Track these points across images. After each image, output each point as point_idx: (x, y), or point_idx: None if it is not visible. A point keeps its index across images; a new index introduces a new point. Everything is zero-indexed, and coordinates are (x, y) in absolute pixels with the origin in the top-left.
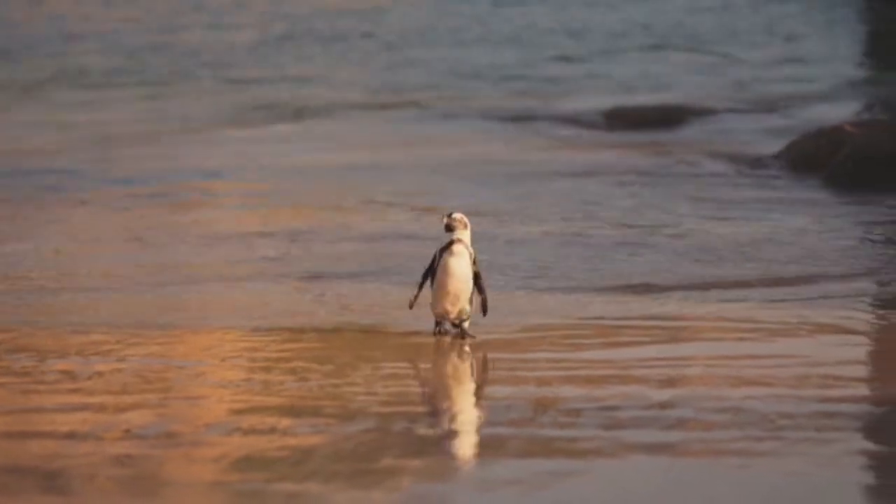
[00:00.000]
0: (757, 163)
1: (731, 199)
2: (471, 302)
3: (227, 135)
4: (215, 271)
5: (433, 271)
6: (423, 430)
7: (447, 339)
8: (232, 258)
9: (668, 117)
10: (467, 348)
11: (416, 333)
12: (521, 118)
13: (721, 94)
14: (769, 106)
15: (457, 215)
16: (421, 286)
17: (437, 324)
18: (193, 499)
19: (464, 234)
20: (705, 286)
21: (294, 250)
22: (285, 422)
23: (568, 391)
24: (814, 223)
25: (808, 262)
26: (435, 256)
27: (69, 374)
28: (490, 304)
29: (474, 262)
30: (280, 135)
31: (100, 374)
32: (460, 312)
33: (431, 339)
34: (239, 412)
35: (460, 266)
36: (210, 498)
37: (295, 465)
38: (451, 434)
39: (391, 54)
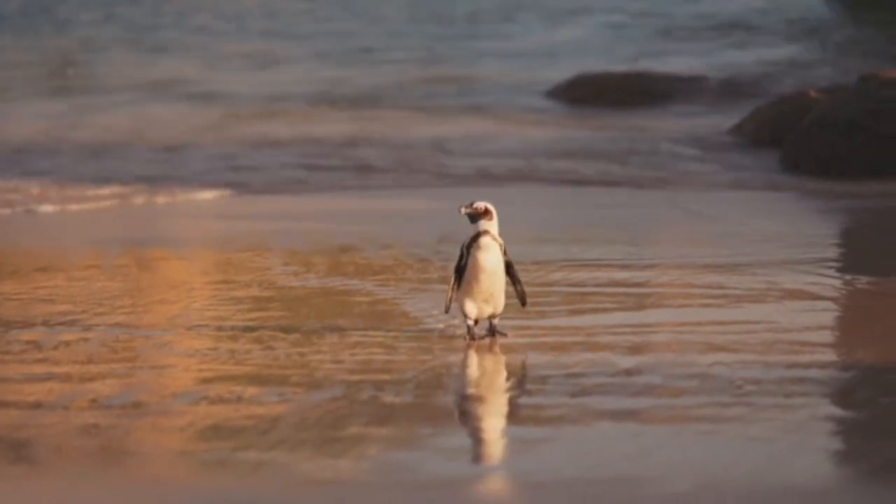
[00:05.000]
0: (720, 128)
1: (693, 170)
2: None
3: None
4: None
5: (462, 268)
6: (389, 398)
7: (479, 342)
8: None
9: (631, 85)
10: (497, 349)
11: (382, 302)
12: (483, 90)
13: (684, 61)
14: (729, 71)
15: (479, 204)
16: (453, 286)
17: (469, 327)
18: (160, 468)
19: (490, 225)
20: (670, 255)
21: (257, 222)
22: (252, 391)
23: (534, 358)
24: (778, 190)
25: (773, 230)
26: (462, 252)
27: (35, 344)
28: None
29: (504, 253)
30: None
31: (66, 343)
32: (494, 308)
33: (398, 308)
34: (205, 381)
35: (490, 260)
36: (177, 467)
37: (262, 434)
38: (418, 402)
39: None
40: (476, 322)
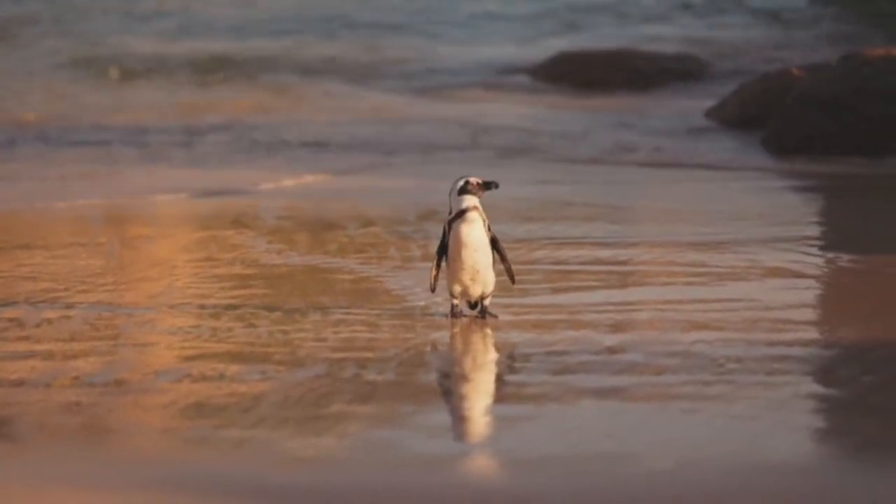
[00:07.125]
0: (703, 106)
1: (677, 149)
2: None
3: None
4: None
5: (446, 246)
6: (372, 376)
7: (465, 321)
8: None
9: (614, 64)
10: (489, 330)
11: (365, 279)
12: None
13: (666, 38)
14: (712, 50)
15: (473, 179)
16: (438, 264)
17: (453, 305)
18: (143, 445)
19: (477, 200)
20: (652, 234)
21: (239, 202)
22: (234, 368)
23: (517, 336)
24: (761, 168)
25: (755, 209)
26: (445, 229)
27: (17, 322)
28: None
29: (489, 229)
30: None
31: (48, 321)
32: (484, 287)
33: (381, 286)
34: (188, 359)
35: (474, 233)
36: (159, 444)
37: (244, 412)
38: (401, 380)
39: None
40: (474, 305)
